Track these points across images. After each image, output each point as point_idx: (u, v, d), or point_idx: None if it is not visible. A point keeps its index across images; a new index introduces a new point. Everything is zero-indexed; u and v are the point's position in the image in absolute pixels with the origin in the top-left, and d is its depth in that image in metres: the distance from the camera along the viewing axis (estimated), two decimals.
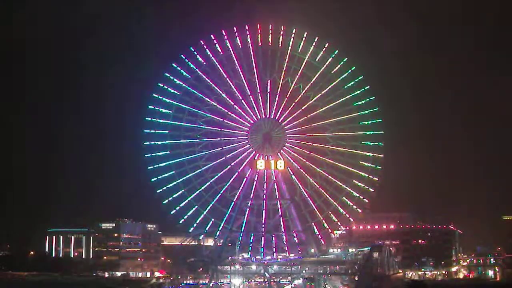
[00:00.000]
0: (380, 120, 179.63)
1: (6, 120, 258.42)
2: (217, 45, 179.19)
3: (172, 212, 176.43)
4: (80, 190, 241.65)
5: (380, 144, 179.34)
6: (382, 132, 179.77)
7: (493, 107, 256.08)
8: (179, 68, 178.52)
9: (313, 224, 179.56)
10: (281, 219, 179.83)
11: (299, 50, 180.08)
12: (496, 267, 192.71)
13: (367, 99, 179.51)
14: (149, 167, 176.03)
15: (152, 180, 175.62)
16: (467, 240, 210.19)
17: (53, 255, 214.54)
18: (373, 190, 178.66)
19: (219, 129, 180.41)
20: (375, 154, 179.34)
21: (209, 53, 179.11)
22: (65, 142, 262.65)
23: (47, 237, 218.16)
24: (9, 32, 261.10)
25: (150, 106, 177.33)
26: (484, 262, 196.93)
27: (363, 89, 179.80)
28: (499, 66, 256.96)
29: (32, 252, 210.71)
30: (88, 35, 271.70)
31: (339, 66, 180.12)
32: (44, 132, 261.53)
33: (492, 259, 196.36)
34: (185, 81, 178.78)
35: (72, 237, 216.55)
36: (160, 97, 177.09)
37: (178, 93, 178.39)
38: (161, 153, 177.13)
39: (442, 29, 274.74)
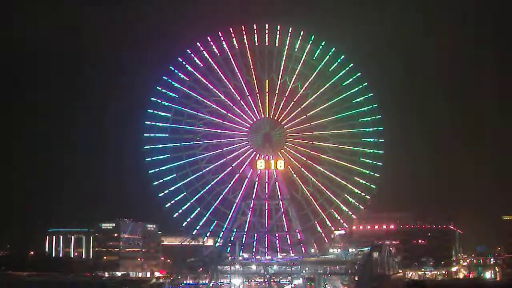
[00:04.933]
0: (379, 117, 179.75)
1: (6, 120, 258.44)
2: (213, 46, 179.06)
3: (175, 215, 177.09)
4: (80, 190, 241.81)
5: (380, 140, 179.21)
6: (382, 128, 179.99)
7: (493, 106, 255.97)
8: (176, 71, 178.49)
9: (315, 222, 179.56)
10: (283, 218, 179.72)
11: (296, 49, 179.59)
12: (496, 267, 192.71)
13: (366, 96, 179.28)
14: (150, 171, 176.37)
15: (154, 183, 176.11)
16: (467, 240, 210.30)
17: (53, 255, 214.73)
18: (374, 187, 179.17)
19: (219, 131, 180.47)
20: (375, 151, 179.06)
21: (206, 55, 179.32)
22: (65, 143, 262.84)
23: (47, 237, 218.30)
24: (9, 32, 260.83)
25: (149, 110, 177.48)
26: (484, 262, 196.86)
27: (361, 86, 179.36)
28: (500, 66, 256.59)
29: (32, 252, 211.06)
30: (86, 38, 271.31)
31: (336, 63, 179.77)
32: (44, 133, 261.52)
33: (492, 259, 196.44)
34: (183, 84, 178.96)
35: (72, 237, 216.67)
36: (158, 100, 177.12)
37: (177, 96, 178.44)
38: (161, 157, 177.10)
39: (441, 27, 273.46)
